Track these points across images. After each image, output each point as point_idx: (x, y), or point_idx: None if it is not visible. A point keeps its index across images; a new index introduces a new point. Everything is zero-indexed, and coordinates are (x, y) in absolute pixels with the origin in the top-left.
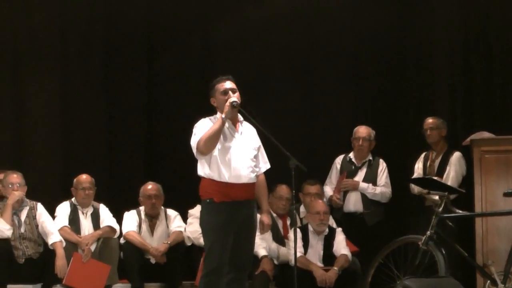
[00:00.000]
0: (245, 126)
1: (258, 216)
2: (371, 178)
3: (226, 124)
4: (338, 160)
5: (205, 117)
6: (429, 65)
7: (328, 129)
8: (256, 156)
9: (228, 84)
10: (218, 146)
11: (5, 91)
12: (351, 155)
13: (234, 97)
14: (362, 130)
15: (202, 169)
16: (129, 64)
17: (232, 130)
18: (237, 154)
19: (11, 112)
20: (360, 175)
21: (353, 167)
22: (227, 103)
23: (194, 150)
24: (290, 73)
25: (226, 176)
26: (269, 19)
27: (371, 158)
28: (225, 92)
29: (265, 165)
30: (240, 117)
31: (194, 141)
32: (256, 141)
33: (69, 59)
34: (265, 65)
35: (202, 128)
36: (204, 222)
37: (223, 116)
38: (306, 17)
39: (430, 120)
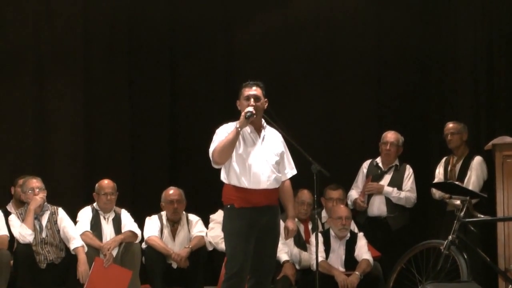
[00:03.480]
0: (268, 132)
1: (282, 222)
2: (396, 183)
3: (248, 130)
4: (365, 164)
5: (228, 122)
6: (452, 69)
7: (350, 134)
8: (278, 162)
9: (253, 91)
10: (239, 151)
11: (28, 96)
12: (378, 159)
13: (250, 108)
14: (391, 135)
15: (224, 175)
16: (152, 69)
17: (254, 136)
18: (257, 160)
19: (34, 118)
20: (386, 180)
21: (379, 172)
22: (242, 114)
23: (211, 159)
24: (313, 77)
25: (245, 182)
26: (292, 23)
27: (397, 163)
28: (248, 98)
29: (291, 171)
30: (264, 122)
31: (210, 151)
32: (280, 147)
33: (91, 64)
34: (288, 69)
35: (221, 136)
36: (225, 227)
37: (238, 126)
38: (329, 21)
39: (450, 125)
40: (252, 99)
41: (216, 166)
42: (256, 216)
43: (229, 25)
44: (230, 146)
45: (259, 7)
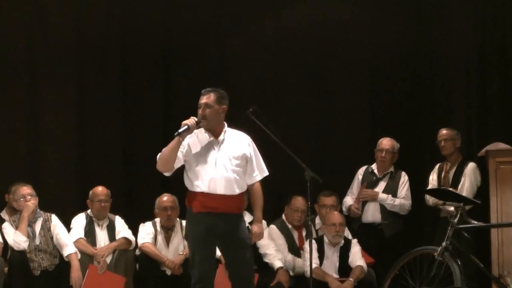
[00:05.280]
0: (230, 136)
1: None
2: (391, 190)
3: (207, 136)
4: (360, 171)
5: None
6: (445, 76)
7: (343, 141)
8: (239, 165)
9: (204, 99)
10: (196, 157)
11: (20, 103)
12: (373, 166)
13: (189, 120)
14: (386, 142)
15: (185, 180)
16: (146, 76)
17: (212, 142)
18: (213, 165)
19: (27, 124)
20: (381, 187)
21: (374, 178)
22: (182, 123)
23: None
24: (306, 84)
25: (202, 187)
26: (286, 31)
27: (392, 170)
28: (199, 106)
29: (260, 173)
30: (225, 127)
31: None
32: (242, 150)
33: (85, 71)
34: (282, 77)
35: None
36: (186, 233)
37: (175, 133)
38: (322, 29)
39: (444, 132)
40: (202, 107)
41: (165, 174)
42: (213, 222)
43: (222, 31)
44: (169, 154)
45: (252, 14)
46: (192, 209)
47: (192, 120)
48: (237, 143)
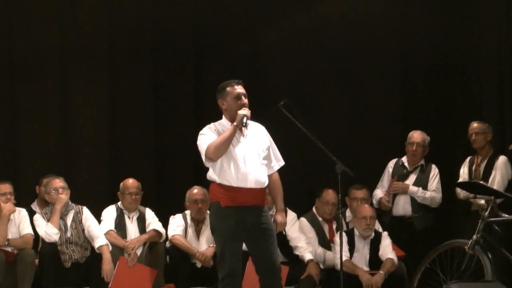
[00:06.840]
0: (251, 128)
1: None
2: (422, 183)
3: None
4: (391, 164)
5: (209, 124)
6: (477, 69)
7: (375, 134)
8: (266, 157)
9: (241, 89)
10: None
11: (53, 98)
12: (404, 159)
13: (246, 110)
14: (417, 136)
15: (211, 174)
16: (177, 70)
17: (238, 134)
18: (243, 158)
19: (58, 118)
20: (411, 180)
21: (404, 171)
22: (240, 114)
23: (203, 157)
24: (337, 78)
25: (232, 181)
26: (317, 24)
27: (423, 163)
28: (238, 96)
29: (278, 163)
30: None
31: (202, 148)
32: (265, 141)
33: (116, 66)
34: (313, 70)
35: (210, 135)
36: (214, 228)
37: (235, 124)
38: (354, 22)
39: (475, 125)
40: (243, 97)
41: (208, 164)
42: (242, 215)
43: (254, 26)
44: (226, 142)
45: (283, 9)
46: (219, 203)
47: (248, 110)
48: (259, 135)
